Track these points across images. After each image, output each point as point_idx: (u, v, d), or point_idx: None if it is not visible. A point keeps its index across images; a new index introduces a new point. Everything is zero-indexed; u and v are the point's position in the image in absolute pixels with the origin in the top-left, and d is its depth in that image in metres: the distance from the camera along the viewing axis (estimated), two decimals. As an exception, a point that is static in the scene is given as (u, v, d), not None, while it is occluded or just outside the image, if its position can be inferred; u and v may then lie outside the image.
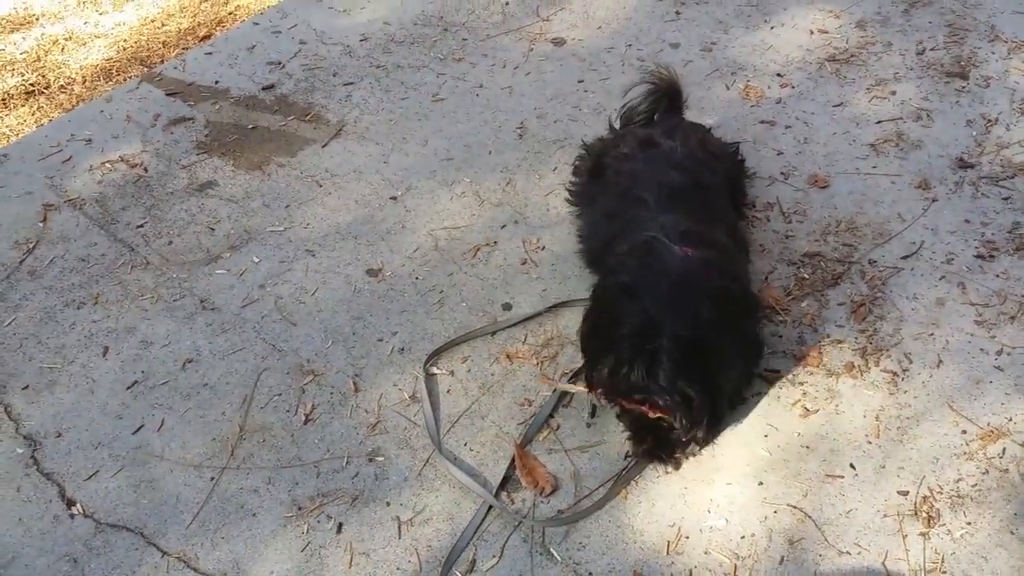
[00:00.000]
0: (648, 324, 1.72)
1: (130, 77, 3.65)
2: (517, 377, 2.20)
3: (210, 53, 3.52)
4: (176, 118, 3.19)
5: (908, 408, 2.06)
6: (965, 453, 1.96)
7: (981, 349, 2.17)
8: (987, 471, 1.92)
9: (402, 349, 2.30)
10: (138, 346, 2.37)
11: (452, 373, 2.23)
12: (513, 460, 2.00)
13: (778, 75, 3.14)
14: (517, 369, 2.22)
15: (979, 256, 2.41)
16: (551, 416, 2.09)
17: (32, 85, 3.70)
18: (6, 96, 3.64)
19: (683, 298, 1.77)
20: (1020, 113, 2.87)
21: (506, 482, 1.98)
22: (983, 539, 1.81)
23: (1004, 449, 1.96)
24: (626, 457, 2.00)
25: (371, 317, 2.40)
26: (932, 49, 3.19)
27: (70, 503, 2.02)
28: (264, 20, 3.69)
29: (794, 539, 1.83)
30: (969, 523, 1.83)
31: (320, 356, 2.30)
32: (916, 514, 1.85)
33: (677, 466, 1.97)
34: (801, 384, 2.13)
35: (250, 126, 3.13)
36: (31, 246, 2.70)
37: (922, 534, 1.82)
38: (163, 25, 4.05)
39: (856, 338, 2.22)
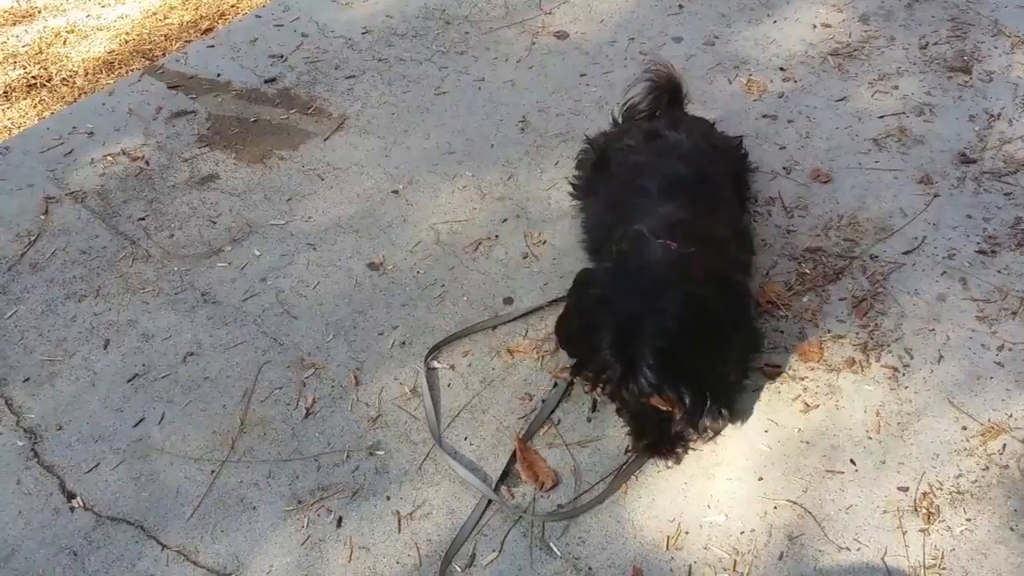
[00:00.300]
0: (622, 332, 1.68)
1: (132, 70, 3.64)
2: (518, 371, 2.20)
3: (212, 46, 3.52)
4: (178, 111, 3.19)
5: (909, 404, 2.06)
6: (965, 449, 1.96)
7: (982, 345, 2.17)
8: (987, 467, 1.92)
9: (403, 343, 2.30)
10: (139, 339, 2.37)
11: (453, 367, 2.23)
12: (514, 454, 2.00)
13: (780, 69, 3.13)
14: (518, 363, 2.22)
15: (981, 252, 2.40)
16: (554, 410, 2.09)
17: (34, 78, 3.70)
18: (8, 89, 3.64)
19: (656, 300, 1.71)
20: (1023, 108, 2.86)
21: (506, 476, 1.98)
22: (983, 535, 1.80)
23: (1004, 445, 1.96)
24: (626, 452, 2.00)
25: (372, 311, 2.40)
26: (935, 44, 3.18)
27: (70, 496, 2.03)
28: (266, 13, 3.69)
29: (794, 535, 1.83)
30: (969, 519, 1.83)
31: (321, 350, 2.30)
32: (916, 510, 1.85)
33: (677, 461, 1.97)
34: (802, 379, 2.12)
35: (252, 119, 3.13)
36: (32, 239, 2.70)
37: (922, 530, 1.82)
38: (165, 18, 4.04)
39: (857, 333, 2.22)
